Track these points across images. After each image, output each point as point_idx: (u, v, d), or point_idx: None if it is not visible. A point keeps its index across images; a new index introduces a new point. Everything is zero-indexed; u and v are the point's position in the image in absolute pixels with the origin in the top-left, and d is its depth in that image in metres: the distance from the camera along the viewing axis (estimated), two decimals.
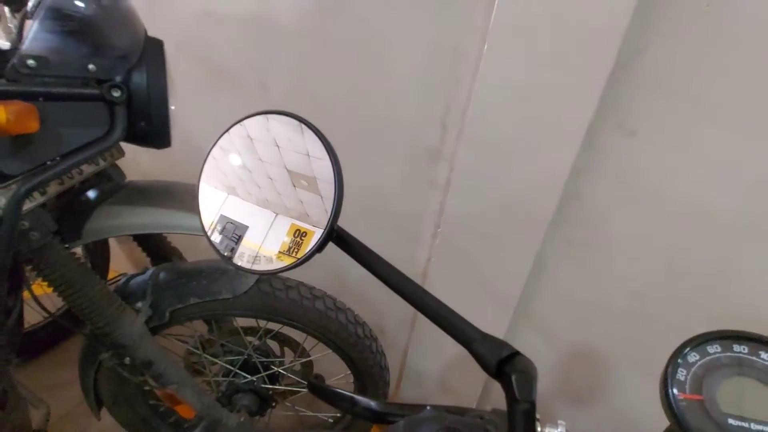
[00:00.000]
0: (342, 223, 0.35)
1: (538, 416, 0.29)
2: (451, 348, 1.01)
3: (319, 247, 0.31)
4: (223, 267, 0.78)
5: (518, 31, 0.67)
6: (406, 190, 0.95)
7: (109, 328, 0.67)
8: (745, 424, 0.29)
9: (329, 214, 0.31)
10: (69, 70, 0.56)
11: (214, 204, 0.41)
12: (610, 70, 0.63)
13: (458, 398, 1.06)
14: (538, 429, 0.27)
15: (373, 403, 0.39)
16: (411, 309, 1.07)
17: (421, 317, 1.12)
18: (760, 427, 0.29)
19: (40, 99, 0.54)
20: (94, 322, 0.66)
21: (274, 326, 0.89)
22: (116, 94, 0.59)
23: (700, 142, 0.65)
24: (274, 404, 0.97)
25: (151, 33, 0.67)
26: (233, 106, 1.08)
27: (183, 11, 1.04)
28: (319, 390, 0.46)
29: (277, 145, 0.40)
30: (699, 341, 0.33)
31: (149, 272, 0.77)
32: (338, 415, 1.08)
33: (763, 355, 0.32)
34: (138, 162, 1.35)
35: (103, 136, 0.60)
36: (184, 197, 0.73)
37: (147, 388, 0.90)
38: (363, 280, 1.10)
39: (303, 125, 0.38)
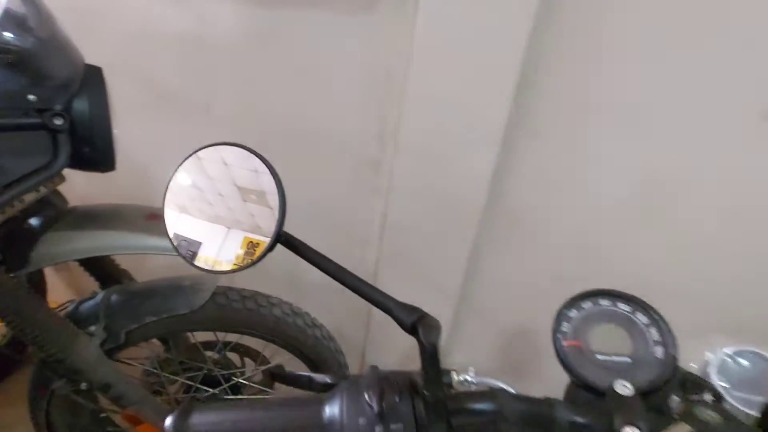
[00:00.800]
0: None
1: (454, 368, 0.36)
2: (403, 342, 1.09)
3: (270, 248, 0.36)
4: (177, 283, 0.79)
5: (437, 55, 0.76)
6: (352, 198, 1.01)
7: (63, 354, 0.67)
8: (609, 358, 0.39)
9: (276, 219, 0.37)
10: (8, 101, 0.57)
11: (168, 223, 0.44)
12: (515, 85, 0.74)
13: None
14: (454, 376, 0.34)
15: (328, 378, 0.45)
16: (365, 310, 1.13)
17: (374, 317, 1.18)
18: (618, 359, 0.39)
19: None
20: (47, 350, 0.66)
21: (233, 337, 0.92)
22: (58, 122, 0.61)
23: (592, 141, 0.78)
24: None
25: (87, 57, 0.69)
26: (175, 126, 1.09)
27: (118, 34, 1.04)
28: (279, 376, 0.51)
29: (226, 164, 0.43)
30: (576, 300, 0.42)
31: (100, 296, 0.77)
32: None
33: (620, 305, 0.41)
34: (73, 186, 1.30)
35: (46, 164, 0.61)
36: (133, 218, 0.74)
37: (104, 414, 0.89)
38: (317, 287, 1.15)
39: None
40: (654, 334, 0.39)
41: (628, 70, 0.73)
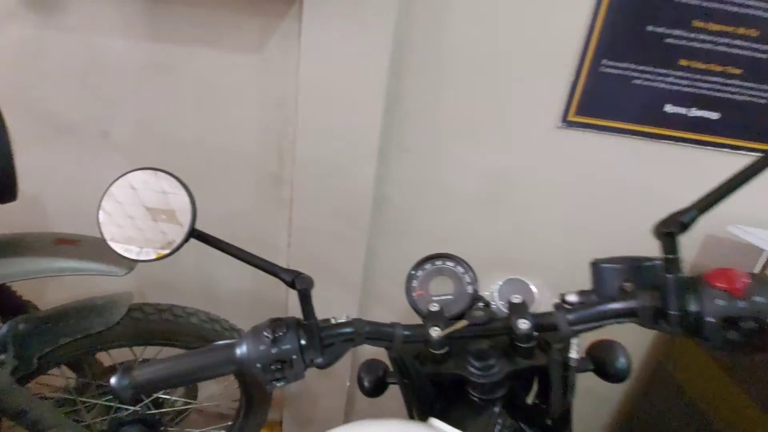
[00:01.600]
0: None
1: (333, 317, 0.51)
2: None
3: (185, 240, 0.46)
4: (91, 303, 0.83)
5: (319, 86, 0.93)
6: (259, 211, 1.13)
7: None
8: (440, 298, 0.57)
9: (190, 217, 0.46)
10: None
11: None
12: (383, 109, 0.94)
13: (332, 377, 1.27)
14: (332, 320, 0.49)
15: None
16: (281, 307, 1.23)
17: (291, 311, 1.28)
18: (445, 297, 0.57)
19: None
20: None
21: (151, 354, 0.96)
22: None
23: (446, 151, 1.01)
24: (162, 428, 1.02)
25: None
26: (72, 155, 1.10)
27: (8, 68, 1.03)
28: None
29: (133, 188, 0.48)
30: (419, 263, 0.61)
31: (5, 326, 0.78)
32: (229, 423, 1.17)
33: (447, 262, 0.60)
34: None
35: None
36: (41, 244, 0.77)
37: None
38: (231, 294, 1.23)
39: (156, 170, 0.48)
40: (467, 278, 0.58)
41: (465, 98, 0.98)
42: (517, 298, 0.49)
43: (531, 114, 0.99)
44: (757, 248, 0.93)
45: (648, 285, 0.39)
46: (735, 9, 0.89)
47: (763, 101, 0.95)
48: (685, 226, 0.37)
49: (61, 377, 0.93)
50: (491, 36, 0.93)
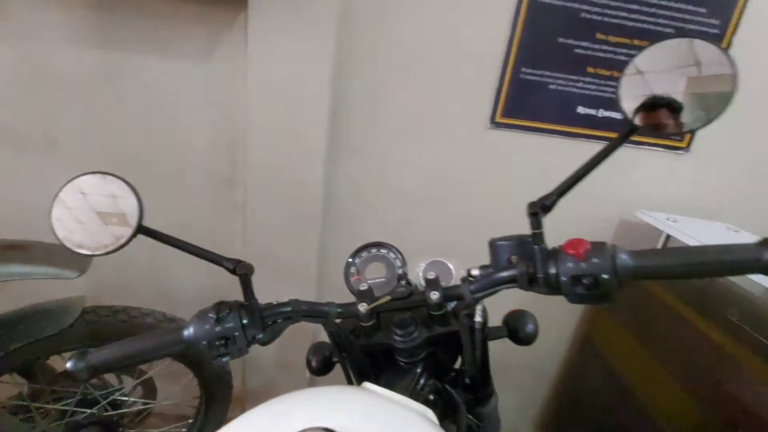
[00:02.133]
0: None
1: (276, 300, 0.58)
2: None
3: (133, 235, 0.50)
4: (43, 307, 0.85)
5: (267, 91, 0.99)
6: (213, 214, 1.17)
7: None
8: (374, 281, 0.65)
9: (138, 213, 0.50)
10: None
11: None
12: (328, 111, 1.01)
13: (292, 370, 1.32)
14: (273, 302, 0.55)
15: None
16: None
17: None
18: (378, 280, 0.65)
19: None
20: None
21: None
22: None
23: (391, 152, 1.10)
24: (121, 430, 1.04)
25: None
26: (18, 161, 1.09)
27: None
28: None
29: (83, 193, 0.49)
30: (357, 251, 0.68)
31: None
32: (189, 421, 1.20)
33: (381, 250, 0.68)
34: None
35: None
36: None
37: None
38: (186, 292, 1.26)
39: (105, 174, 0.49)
40: (397, 263, 0.66)
41: (406, 104, 1.07)
42: (431, 275, 0.57)
43: (464, 117, 1.09)
44: (658, 229, 1.08)
45: (526, 256, 0.48)
46: (630, 23, 1.03)
47: None
48: (547, 208, 0.47)
49: (13, 384, 0.93)
50: (426, 49, 1.03)
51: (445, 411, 0.60)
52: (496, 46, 1.03)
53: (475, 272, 0.55)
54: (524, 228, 0.50)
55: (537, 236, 0.46)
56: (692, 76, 0.41)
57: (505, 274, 0.49)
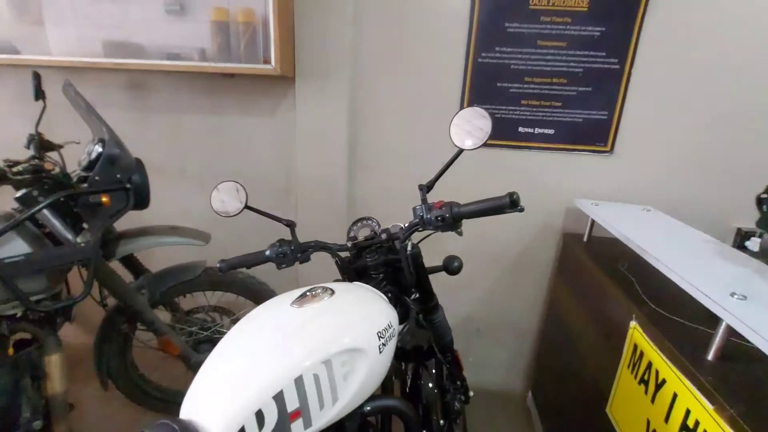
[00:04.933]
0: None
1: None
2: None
3: (243, 208, 1.08)
4: (183, 265, 1.47)
5: (308, 134, 1.58)
6: (276, 211, 1.77)
7: (132, 303, 1.33)
8: (360, 238, 1.17)
9: (245, 198, 1.09)
10: (112, 183, 1.26)
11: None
12: (347, 144, 1.57)
13: None
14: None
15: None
16: (293, 277, 1.86)
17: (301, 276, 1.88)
18: (365, 236, 1.17)
19: None
20: (125, 300, 1.31)
21: (213, 302, 1.59)
22: (129, 186, 1.30)
23: (393, 168, 1.63)
24: None
25: None
26: (171, 185, 1.78)
27: None
28: (231, 264, 1.19)
29: (218, 190, 1.17)
30: (354, 222, 1.21)
31: (142, 277, 1.43)
32: None
33: (367, 221, 1.20)
34: None
35: (124, 206, 1.30)
36: (163, 230, 1.41)
37: (139, 345, 1.50)
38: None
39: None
40: (376, 226, 1.18)
41: (399, 136, 1.60)
42: (387, 229, 1.07)
43: (440, 140, 1.60)
44: (585, 212, 1.49)
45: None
46: (549, 68, 1.48)
47: (580, 120, 1.53)
48: (429, 188, 0.96)
49: (163, 313, 1.56)
50: (408, 97, 1.57)
51: (404, 314, 1.08)
52: (455, 90, 1.54)
53: (406, 225, 1.05)
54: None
55: (424, 201, 0.95)
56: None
57: (414, 222, 0.99)
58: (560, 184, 1.62)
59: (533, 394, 1.85)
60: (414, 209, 0.99)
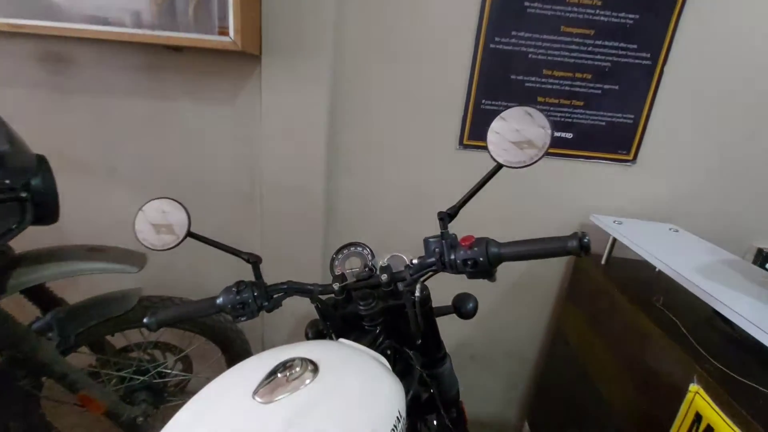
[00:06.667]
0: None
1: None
2: (291, 318, 1.52)
3: (185, 237, 0.76)
4: (110, 296, 1.13)
5: (277, 128, 1.26)
6: (236, 223, 1.44)
7: (32, 353, 0.97)
8: (350, 271, 0.89)
9: (187, 223, 0.76)
10: None
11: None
12: (325, 141, 1.27)
13: None
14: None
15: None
16: None
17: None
18: (354, 270, 0.89)
19: None
20: (21, 351, 0.95)
21: (153, 338, 1.25)
22: (24, 194, 0.94)
23: (379, 173, 1.34)
24: (165, 394, 1.30)
25: None
26: (86, 186, 1.39)
27: None
28: (163, 319, 0.78)
29: (142, 210, 0.74)
30: (339, 250, 0.92)
31: (49, 314, 1.07)
32: None
33: (358, 248, 0.92)
34: None
35: (18, 222, 0.93)
36: (78, 252, 1.06)
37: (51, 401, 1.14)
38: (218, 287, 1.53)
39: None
40: (369, 257, 0.90)
41: (388, 134, 1.31)
42: (385, 263, 0.80)
43: (437, 142, 1.33)
44: (605, 230, 1.28)
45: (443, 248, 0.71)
46: (572, 60, 1.24)
47: (602, 123, 1.31)
48: (451, 216, 0.69)
49: (86, 356, 1.21)
50: (403, 89, 1.28)
51: (405, 369, 0.82)
52: (461, 85, 1.27)
53: (414, 261, 0.78)
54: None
55: (444, 234, 0.69)
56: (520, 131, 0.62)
57: (429, 260, 0.72)
58: (573, 196, 1.40)
59: (530, 423, 1.67)
60: (427, 242, 0.73)
